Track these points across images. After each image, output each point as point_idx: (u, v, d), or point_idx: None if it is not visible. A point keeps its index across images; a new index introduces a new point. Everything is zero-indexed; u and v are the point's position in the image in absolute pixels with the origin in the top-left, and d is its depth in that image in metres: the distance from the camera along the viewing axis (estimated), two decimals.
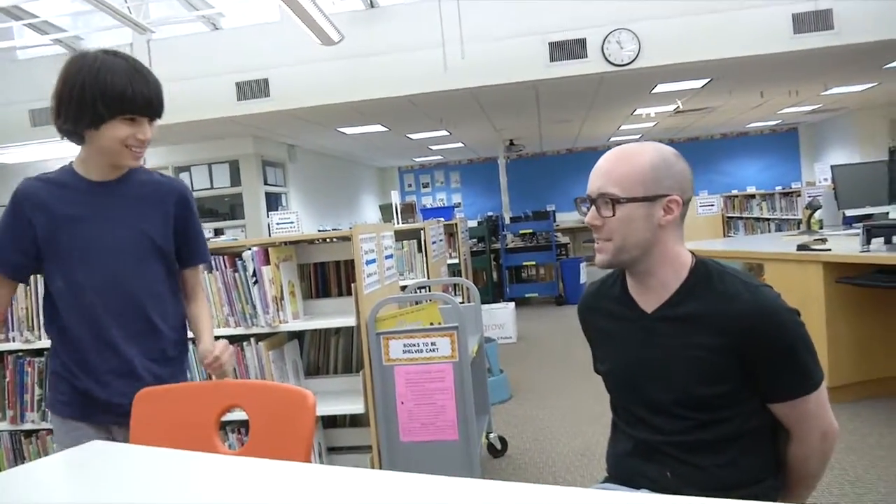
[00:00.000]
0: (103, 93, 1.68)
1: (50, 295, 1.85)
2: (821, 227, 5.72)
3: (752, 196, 11.47)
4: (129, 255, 1.82)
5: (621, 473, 1.60)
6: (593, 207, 1.50)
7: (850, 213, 5.24)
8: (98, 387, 1.80)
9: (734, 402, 1.45)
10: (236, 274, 2.95)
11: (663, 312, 1.51)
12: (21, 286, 3.00)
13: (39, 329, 3.03)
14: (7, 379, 3.09)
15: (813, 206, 5.70)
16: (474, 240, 9.80)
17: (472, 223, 10.19)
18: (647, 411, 1.54)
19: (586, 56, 7.02)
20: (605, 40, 6.98)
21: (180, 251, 1.94)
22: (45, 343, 3.04)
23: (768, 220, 10.80)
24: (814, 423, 1.47)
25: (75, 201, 1.79)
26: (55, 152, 7.79)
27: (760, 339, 1.40)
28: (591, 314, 1.71)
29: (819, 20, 6.73)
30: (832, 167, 5.65)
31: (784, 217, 10.21)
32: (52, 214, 1.78)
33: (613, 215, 1.47)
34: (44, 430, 3.11)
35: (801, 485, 1.55)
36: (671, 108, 11.03)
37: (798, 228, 8.06)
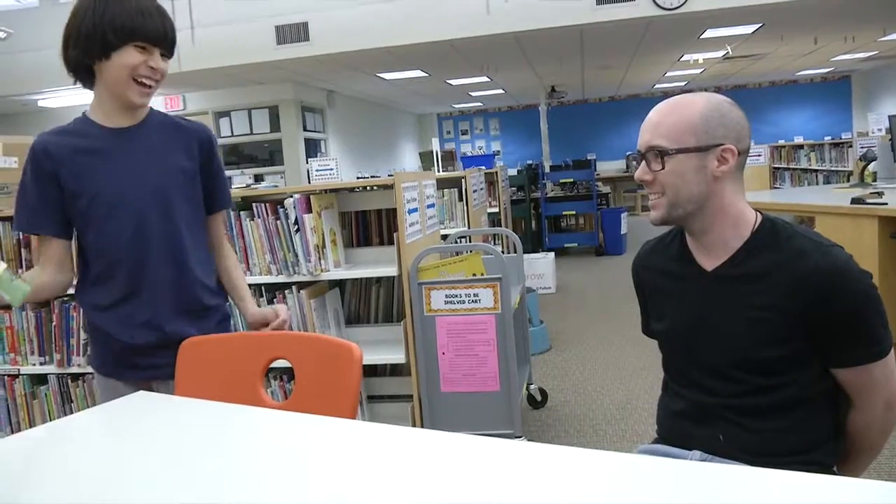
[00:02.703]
0: (112, 18, 1.63)
1: (82, 249, 1.80)
2: (874, 180, 5.52)
3: (801, 146, 11.15)
4: (158, 202, 1.76)
5: (673, 434, 1.55)
6: (643, 162, 1.44)
7: None
8: (133, 343, 1.77)
9: (795, 367, 1.39)
10: (278, 221, 2.93)
11: (725, 271, 1.44)
12: None
13: None
14: (54, 323, 3.13)
15: (868, 158, 5.50)
16: (513, 188, 9.70)
17: (512, 171, 10.08)
18: (703, 373, 1.48)
19: None
20: None
21: (204, 197, 1.88)
22: None
23: (816, 171, 10.52)
24: (878, 393, 1.39)
25: (96, 150, 1.73)
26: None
27: (829, 302, 1.33)
28: (647, 272, 1.64)
29: None
30: (890, 117, 5.42)
31: (833, 168, 9.92)
32: (74, 168, 1.72)
33: (663, 168, 1.41)
34: (89, 373, 3.16)
35: (859, 455, 1.48)
36: (720, 54, 10.68)
37: (848, 181, 7.82)
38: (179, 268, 1.79)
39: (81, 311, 1.89)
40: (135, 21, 1.64)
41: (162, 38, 1.70)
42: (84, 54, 1.67)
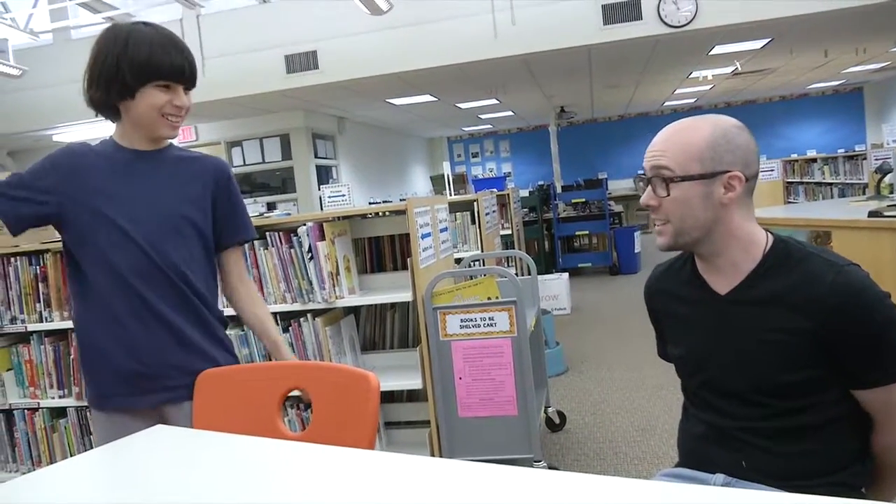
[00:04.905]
0: (132, 60, 1.65)
1: (80, 267, 1.75)
2: (891, 192, 5.47)
3: (814, 160, 11.09)
4: (168, 229, 1.75)
5: (695, 458, 1.53)
6: (649, 187, 1.43)
7: None
8: (144, 365, 1.72)
9: (815, 390, 1.36)
10: (292, 250, 2.93)
11: (738, 295, 1.42)
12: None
13: None
14: (72, 356, 3.15)
15: (883, 170, 5.44)
16: (526, 210, 9.70)
17: (524, 192, 10.08)
18: (722, 398, 1.46)
19: (641, 18, 6.80)
20: (660, 1, 6.74)
21: (222, 229, 1.87)
22: None
23: (831, 184, 10.45)
24: None
25: (114, 171, 1.75)
26: (111, 131, 7.91)
27: (846, 323, 1.30)
28: (660, 298, 1.62)
29: None
30: None
31: (848, 181, 9.85)
32: (88, 186, 1.72)
33: (668, 195, 1.39)
34: None
35: (888, 478, 1.44)
36: (729, 70, 10.68)
37: (863, 193, 7.75)
38: (187, 296, 1.77)
39: (76, 336, 1.84)
40: (153, 61, 1.67)
41: (183, 75, 1.73)
42: (107, 95, 1.70)
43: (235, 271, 1.94)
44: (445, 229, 3.50)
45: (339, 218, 3.13)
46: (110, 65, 1.67)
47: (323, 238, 2.91)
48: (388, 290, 3.10)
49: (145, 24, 1.72)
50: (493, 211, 5.52)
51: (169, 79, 1.70)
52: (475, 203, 4.84)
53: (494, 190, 6.11)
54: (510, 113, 13.86)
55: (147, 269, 1.73)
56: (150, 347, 1.74)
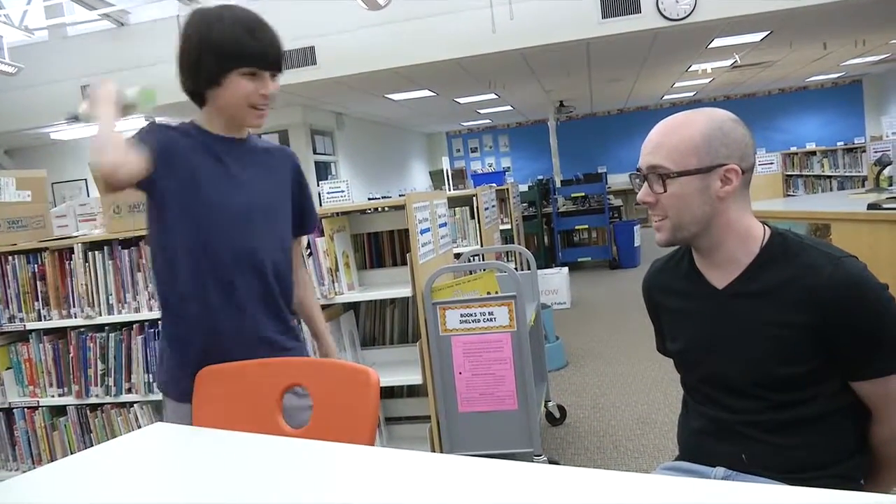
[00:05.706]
0: (215, 46, 1.61)
1: (171, 257, 1.69)
2: (890, 185, 5.46)
3: (813, 153, 11.07)
4: (259, 218, 1.73)
5: (695, 452, 1.52)
6: (645, 184, 1.42)
7: None
8: (228, 359, 1.65)
9: (814, 382, 1.36)
10: None
11: (736, 288, 1.42)
12: (80, 262, 3.05)
13: (99, 305, 3.08)
14: (71, 354, 3.14)
15: (882, 162, 5.44)
16: (525, 204, 9.69)
17: (523, 187, 10.07)
18: (721, 391, 1.45)
19: (640, 11, 6.77)
20: None
21: (294, 219, 1.87)
22: (106, 318, 3.08)
23: (830, 177, 10.43)
24: None
25: (208, 154, 1.70)
26: None
27: (844, 315, 1.30)
28: (658, 293, 1.62)
29: None
30: None
31: (847, 174, 9.84)
32: (188, 165, 1.67)
33: (665, 191, 1.38)
34: (108, 403, 3.17)
35: (885, 469, 1.44)
36: (728, 63, 10.67)
37: (863, 186, 7.74)
38: (271, 289, 1.75)
39: (163, 326, 1.78)
40: (236, 47, 1.62)
41: (267, 61, 1.67)
42: (195, 84, 1.67)
43: (296, 258, 1.93)
44: (445, 224, 3.49)
45: (337, 214, 3.13)
46: (194, 51, 1.63)
47: (322, 234, 2.91)
48: (388, 286, 3.10)
49: (228, 7, 1.67)
50: (493, 206, 5.51)
51: (253, 65, 1.64)
52: (474, 198, 4.83)
53: (493, 185, 6.11)
54: (509, 107, 13.85)
55: (240, 263, 1.69)
56: (237, 345, 1.69)
